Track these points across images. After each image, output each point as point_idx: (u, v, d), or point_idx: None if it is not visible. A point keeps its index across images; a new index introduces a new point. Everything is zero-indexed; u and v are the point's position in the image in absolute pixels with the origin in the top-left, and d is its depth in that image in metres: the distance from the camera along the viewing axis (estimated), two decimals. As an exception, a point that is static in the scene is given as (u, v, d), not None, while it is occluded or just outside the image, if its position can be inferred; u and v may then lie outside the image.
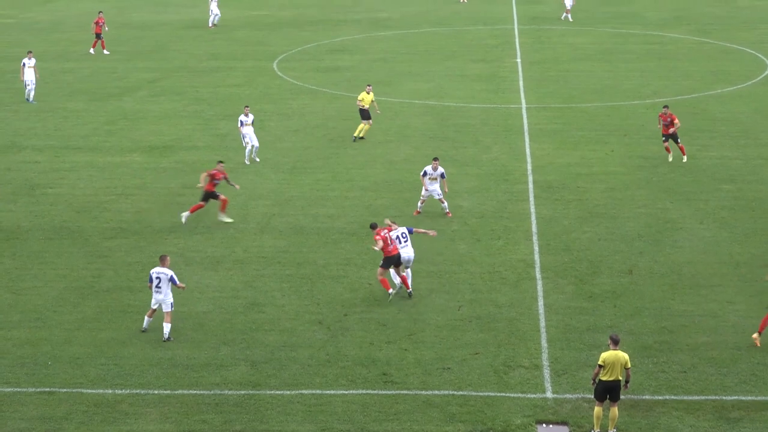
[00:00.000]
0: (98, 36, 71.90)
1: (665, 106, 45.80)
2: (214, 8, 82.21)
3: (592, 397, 25.64)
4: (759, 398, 26.72)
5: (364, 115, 49.92)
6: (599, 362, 24.91)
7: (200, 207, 39.18)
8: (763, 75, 62.77)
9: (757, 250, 36.06)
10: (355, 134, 50.03)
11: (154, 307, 30.51)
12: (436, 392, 27.18)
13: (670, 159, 45.34)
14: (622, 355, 24.96)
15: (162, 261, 30.67)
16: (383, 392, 27.22)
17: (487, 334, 30.28)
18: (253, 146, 46.82)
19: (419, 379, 27.82)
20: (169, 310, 30.24)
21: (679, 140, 45.45)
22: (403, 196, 41.83)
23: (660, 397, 26.79)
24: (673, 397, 26.82)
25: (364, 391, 27.27)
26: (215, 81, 63.45)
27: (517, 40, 75.53)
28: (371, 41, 76.02)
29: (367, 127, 50.03)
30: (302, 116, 54.63)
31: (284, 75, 64.60)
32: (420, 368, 28.35)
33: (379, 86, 60.99)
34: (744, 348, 29.21)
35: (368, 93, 50.23)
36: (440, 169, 39.19)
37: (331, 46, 74.22)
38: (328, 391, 27.29)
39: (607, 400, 25.19)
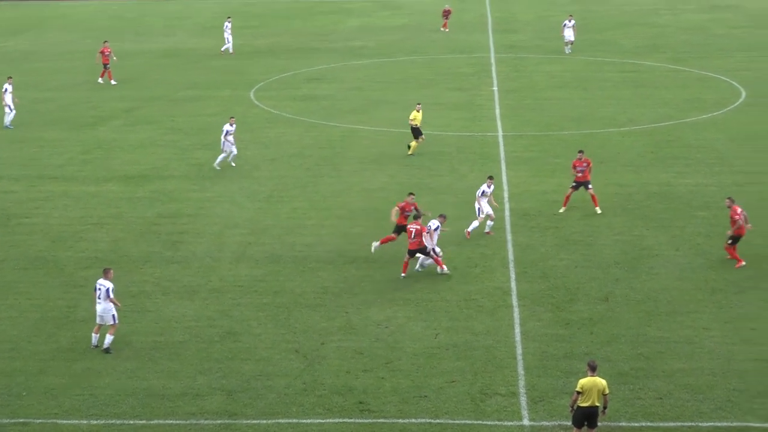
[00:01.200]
0: (105, 66, 71.79)
1: (580, 151, 43.55)
2: (228, 36, 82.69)
3: (570, 423, 25.66)
4: (734, 424, 26.78)
5: (416, 133, 52.05)
6: (577, 388, 24.94)
7: (391, 239, 38.64)
8: (738, 102, 63.12)
9: (732, 277, 36.19)
10: (410, 152, 52.24)
11: (99, 322, 31.10)
12: (413, 420, 27.13)
13: (562, 210, 42.98)
14: (600, 382, 24.99)
15: (105, 273, 31.27)
16: (360, 421, 27.16)
17: (463, 361, 30.27)
18: (231, 153, 49.85)
19: (396, 407, 27.77)
20: (112, 323, 30.93)
21: (590, 187, 42.93)
22: (380, 224, 41.79)
23: (636, 424, 26.81)
24: (649, 423, 26.85)
25: (340, 420, 27.22)
26: (192, 110, 63.44)
27: (493, 68, 75.80)
28: (348, 70, 76.17)
29: (419, 142, 52.29)
30: (279, 145, 54.64)
31: (261, 104, 64.64)
32: (397, 396, 28.31)
33: (355, 114, 61.23)
34: (720, 374, 29.30)
35: (418, 111, 52.39)
36: (493, 187, 40.99)
37: (308, 74, 74.33)
38: (304, 420, 27.22)
39: (585, 427, 25.20)
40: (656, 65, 75.74)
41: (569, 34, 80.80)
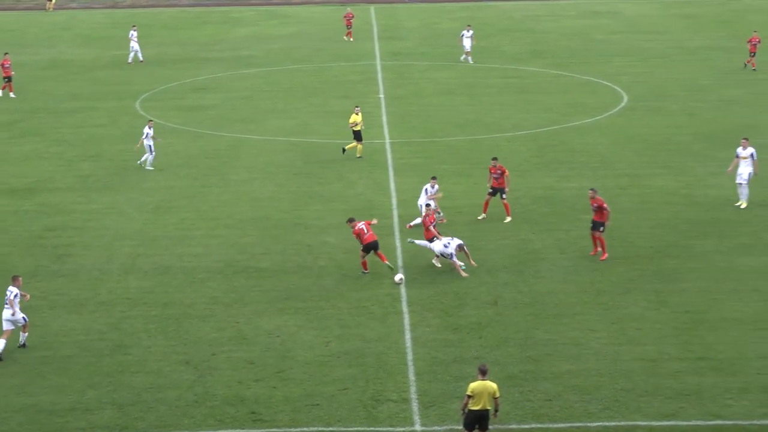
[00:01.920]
0: (8, 79, 70.43)
1: (494, 158, 43.45)
2: (134, 45, 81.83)
3: (461, 427, 25.91)
4: (622, 423, 27.28)
5: (357, 136, 52.80)
6: (467, 392, 25.21)
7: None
8: (619, 106, 64.29)
9: (616, 278, 36.85)
10: (347, 147, 52.99)
11: (5, 328, 31.33)
12: (306, 429, 27.19)
13: (482, 217, 43.27)
14: (491, 385, 25.29)
15: (13, 280, 31.95)
16: (252, 431, 27.14)
17: (355, 368, 30.40)
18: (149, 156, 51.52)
19: (288, 416, 27.81)
20: (23, 323, 31.62)
21: (505, 195, 43.03)
22: (270, 233, 41.83)
23: (526, 426, 27.18)
24: (538, 425, 27.23)
25: (232, 430, 27.17)
26: (77, 122, 62.73)
27: (379, 75, 76.19)
28: (234, 79, 75.97)
29: (360, 146, 53.05)
30: (166, 155, 54.23)
31: (147, 114, 64.08)
32: (289, 405, 28.34)
33: (243, 124, 61.10)
34: (606, 374, 29.82)
35: (357, 114, 53.08)
36: (437, 186, 42.18)
37: (194, 84, 73.96)
38: (196, 432, 27.16)
39: (476, 430, 25.48)
40: (539, 71, 76.80)
41: (467, 44, 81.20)
